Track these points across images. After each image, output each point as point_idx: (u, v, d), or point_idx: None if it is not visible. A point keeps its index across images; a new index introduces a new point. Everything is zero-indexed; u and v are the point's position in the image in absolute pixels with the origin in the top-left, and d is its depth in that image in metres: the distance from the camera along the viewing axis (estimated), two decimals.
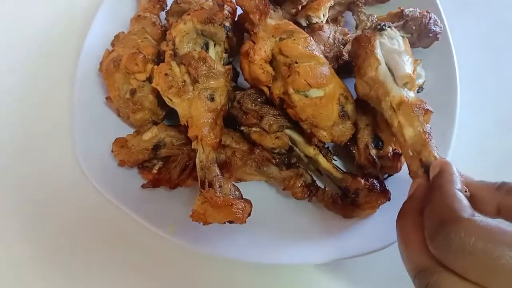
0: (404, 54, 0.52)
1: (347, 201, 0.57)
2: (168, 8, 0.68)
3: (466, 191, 0.41)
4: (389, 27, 0.53)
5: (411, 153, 0.46)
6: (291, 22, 0.57)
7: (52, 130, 0.68)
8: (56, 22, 0.78)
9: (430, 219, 0.38)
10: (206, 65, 0.54)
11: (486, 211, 0.41)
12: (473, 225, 0.34)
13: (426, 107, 0.48)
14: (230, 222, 0.50)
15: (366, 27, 0.63)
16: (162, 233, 0.56)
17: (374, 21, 0.63)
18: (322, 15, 0.60)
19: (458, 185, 0.40)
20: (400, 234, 0.42)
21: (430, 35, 0.61)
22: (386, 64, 0.51)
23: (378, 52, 0.52)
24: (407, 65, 0.51)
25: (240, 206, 0.50)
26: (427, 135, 0.47)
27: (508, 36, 0.79)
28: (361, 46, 0.53)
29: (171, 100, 0.55)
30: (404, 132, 0.47)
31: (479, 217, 0.35)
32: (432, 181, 0.43)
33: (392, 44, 0.52)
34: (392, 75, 0.50)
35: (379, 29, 0.53)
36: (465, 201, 0.38)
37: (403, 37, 0.54)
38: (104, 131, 0.63)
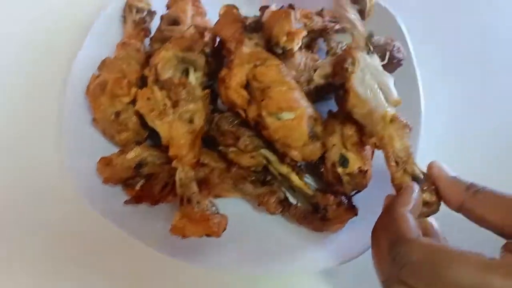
0: (390, 78, 0.57)
1: (317, 217, 0.61)
2: (152, 35, 0.73)
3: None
4: (374, 51, 0.58)
5: (396, 164, 0.52)
6: (264, 50, 0.61)
7: (41, 150, 0.72)
8: (45, 48, 0.82)
9: (383, 239, 0.45)
10: (185, 90, 0.58)
11: (450, 205, 0.47)
12: (418, 245, 0.40)
13: (410, 125, 0.54)
14: (207, 235, 0.54)
15: (336, 53, 0.68)
16: (144, 245, 0.60)
17: (344, 48, 0.68)
18: (295, 45, 0.64)
19: (410, 206, 0.46)
20: (371, 245, 0.48)
21: (394, 61, 0.66)
22: (376, 83, 0.56)
23: (367, 66, 0.56)
24: (394, 90, 0.56)
25: (216, 221, 0.54)
26: (411, 149, 0.53)
27: (475, 62, 0.83)
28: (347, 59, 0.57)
29: (153, 122, 0.59)
30: (394, 143, 0.53)
31: (424, 239, 0.42)
32: (388, 202, 0.51)
33: (378, 66, 0.57)
34: (383, 93, 0.56)
35: (367, 49, 0.58)
36: (413, 223, 0.44)
37: None
38: (91, 150, 0.66)
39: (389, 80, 0.56)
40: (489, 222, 0.43)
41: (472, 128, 0.77)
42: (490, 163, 0.74)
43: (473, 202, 0.44)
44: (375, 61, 0.58)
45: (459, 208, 0.46)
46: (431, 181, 0.50)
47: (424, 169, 0.52)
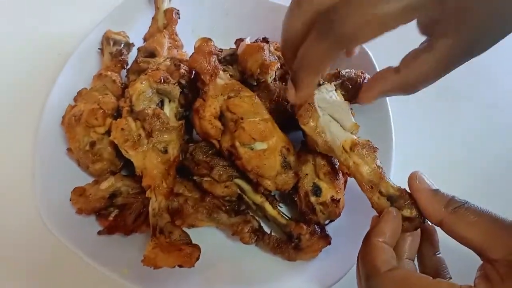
0: (344, 104, 0.58)
1: (291, 246, 0.62)
2: (129, 66, 0.74)
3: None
4: (323, 82, 0.60)
5: (370, 188, 0.52)
6: (238, 82, 0.63)
7: (14, 180, 0.72)
8: (22, 78, 0.82)
9: (359, 270, 0.47)
10: (159, 121, 0.59)
11: (430, 220, 0.47)
12: (390, 278, 0.43)
13: (374, 145, 0.55)
14: (180, 266, 0.53)
15: None
16: (116, 277, 0.59)
17: None
18: (269, 77, 0.66)
19: (386, 236, 0.47)
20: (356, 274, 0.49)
21: None
22: (329, 114, 0.57)
23: (316, 102, 0.57)
24: (350, 115, 0.57)
25: (188, 251, 0.54)
26: (380, 169, 0.53)
27: (440, 89, 0.87)
28: None
29: (127, 152, 0.60)
30: (361, 170, 0.53)
31: (396, 272, 0.43)
32: (367, 232, 0.50)
33: (330, 97, 0.59)
34: (338, 122, 0.57)
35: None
36: (387, 254, 0.45)
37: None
38: (65, 180, 0.66)
39: (343, 108, 0.57)
40: (468, 241, 0.42)
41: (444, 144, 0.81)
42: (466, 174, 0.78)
43: (453, 219, 0.43)
44: (325, 91, 0.59)
45: (439, 223, 0.45)
46: (410, 195, 0.49)
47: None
